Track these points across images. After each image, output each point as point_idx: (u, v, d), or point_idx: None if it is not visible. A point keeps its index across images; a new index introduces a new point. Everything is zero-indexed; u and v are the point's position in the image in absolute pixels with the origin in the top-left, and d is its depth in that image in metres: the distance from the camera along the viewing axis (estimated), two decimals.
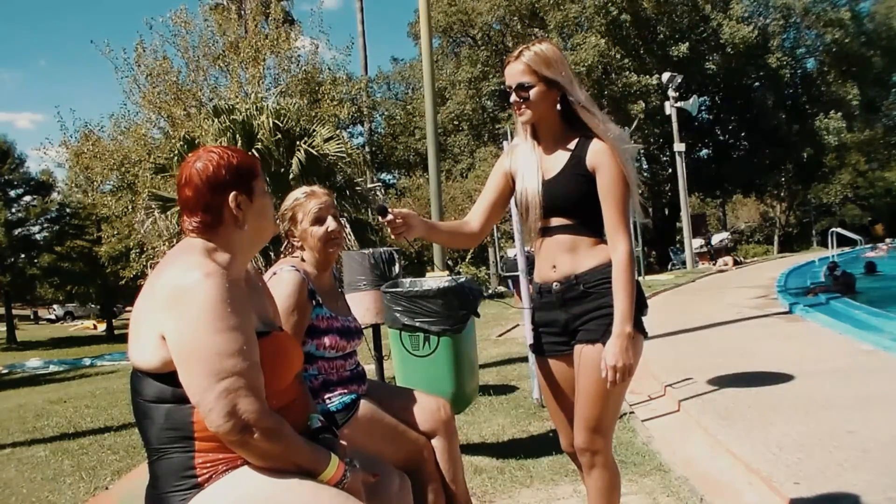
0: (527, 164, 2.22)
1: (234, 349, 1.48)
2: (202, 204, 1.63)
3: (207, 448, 1.53)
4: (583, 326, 2.15)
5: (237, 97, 14.36)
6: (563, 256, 2.17)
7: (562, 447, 2.36)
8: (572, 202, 2.14)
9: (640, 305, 2.13)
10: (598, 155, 2.11)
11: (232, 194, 1.64)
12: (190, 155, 1.70)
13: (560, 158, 2.17)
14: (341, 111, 20.17)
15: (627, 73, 24.74)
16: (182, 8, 18.45)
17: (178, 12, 18.22)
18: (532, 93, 2.13)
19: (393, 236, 2.10)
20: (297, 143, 10.42)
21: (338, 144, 10.45)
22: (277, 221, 2.49)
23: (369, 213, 12.03)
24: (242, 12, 19.06)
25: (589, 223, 2.15)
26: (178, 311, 1.49)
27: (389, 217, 2.06)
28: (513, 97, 2.16)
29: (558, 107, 2.17)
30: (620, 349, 2.02)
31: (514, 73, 2.15)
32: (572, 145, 2.16)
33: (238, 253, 1.68)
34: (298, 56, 19.32)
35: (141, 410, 1.58)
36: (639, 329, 2.11)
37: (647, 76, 24.48)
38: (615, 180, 2.09)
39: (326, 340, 2.36)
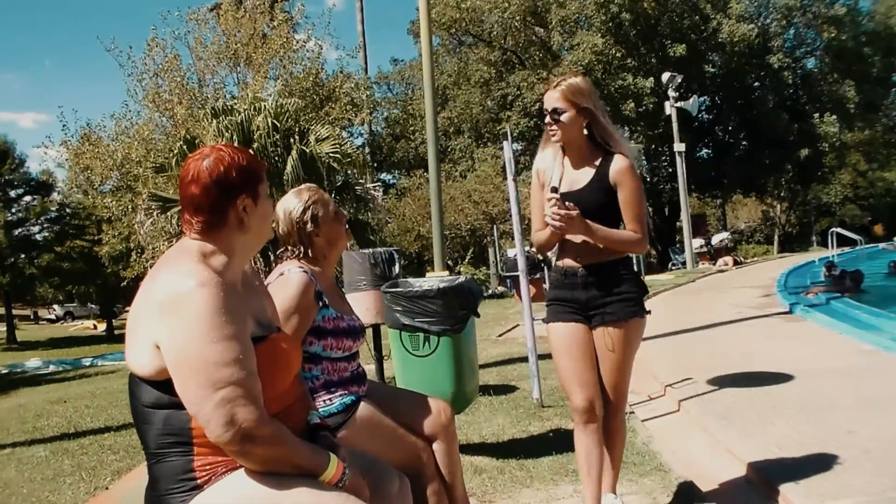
0: (554, 175, 2.63)
1: (230, 358, 1.47)
2: (209, 204, 1.60)
3: (206, 451, 1.53)
4: (603, 308, 2.56)
5: (244, 98, 14.35)
6: (588, 248, 2.56)
7: (574, 404, 2.62)
8: (596, 210, 2.51)
9: (642, 289, 2.62)
10: (619, 173, 2.52)
11: (240, 198, 1.61)
12: (196, 152, 1.66)
13: (586, 173, 2.58)
14: (356, 116, 20.13)
15: (624, 74, 24.70)
16: (209, 7, 18.55)
17: (196, 10, 18.35)
18: (564, 117, 2.51)
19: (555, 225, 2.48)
20: (290, 141, 10.40)
21: (332, 145, 10.41)
22: (290, 227, 2.42)
23: (369, 213, 12.02)
24: (244, 10, 18.99)
25: (609, 227, 2.53)
26: (173, 321, 1.48)
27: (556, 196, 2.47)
28: (547, 119, 2.54)
29: (584, 131, 2.56)
30: (581, 221, 2.45)
31: (551, 99, 2.53)
32: (597, 162, 2.57)
33: (236, 256, 1.65)
34: (305, 59, 19.26)
35: (139, 415, 1.58)
36: (642, 311, 2.59)
37: (643, 78, 24.42)
38: (634, 195, 2.52)
39: (333, 341, 2.34)
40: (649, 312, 2.63)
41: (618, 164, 2.52)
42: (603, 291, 2.56)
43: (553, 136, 2.56)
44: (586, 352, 2.59)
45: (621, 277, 2.57)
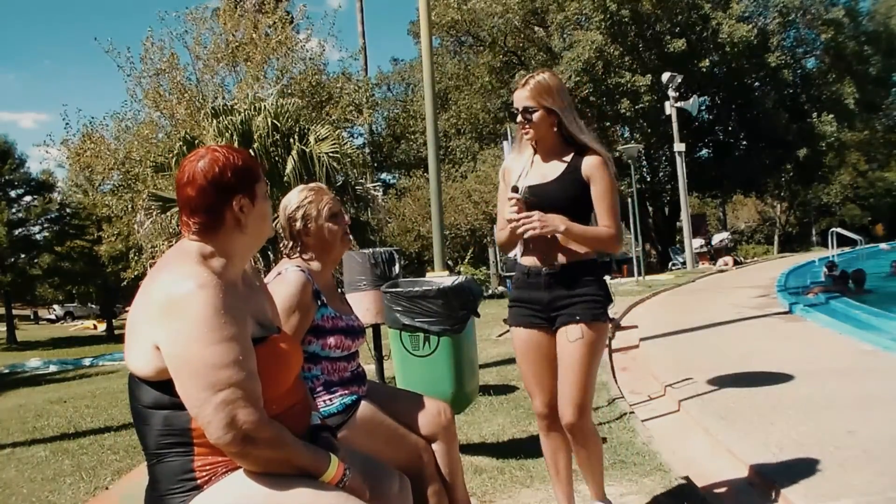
0: (515, 174, 2.61)
1: (230, 360, 1.47)
2: (204, 205, 1.60)
3: (206, 452, 1.53)
4: (564, 310, 2.52)
5: (245, 98, 14.33)
6: (553, 247, 2.53)
7: (536, 408, 2.67)
8: (566, 203, 2.50)
9: (607, 294, 2.57)
10: (592, 167, 2.50)
11: (236, 198, 1.61)
12: (192, 153, 1.66)
13: (557, 167, 2.56)
14: (358, 117, 20.12)
15: (621, 71, 24.66)
16: (207, 6, 18.56)
17: (195, 9, 18.33)
18: (534, 116, 2.50)
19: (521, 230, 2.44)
20: (290, 141, 10.40)
21: (331, 145, 10.39)
22: (284, 222, 2.46)
23: (369, 213, 12.03)
24: (241, 10, 18.95)
25: (578, 222, 2.49)
26: (172, 323, 1.47)
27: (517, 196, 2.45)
28: (519, 118, 2.53)
29: (555, 128, 2.53)
30: (551, 219, 2.42)
31: (521, 98, 2.52)
32: (568, 157, 2.55)
33: (235, 256, 1.65)
34: (306, 59, 19.19)
35: (139, 415, 1.58)
36: (606, 317, 2.55)
37: (640, 76, 24.37)
38: (607, 189, 2.50)
39: (332, 340, 2.34)
40: (612, 320, 2.60)
41: (591, 159, 2.50)
42: (567, 292, 2.51)
43: (525, 134, 2.56)
44: (547, 358, 2.58)
45: (586, 280, 2.52)
